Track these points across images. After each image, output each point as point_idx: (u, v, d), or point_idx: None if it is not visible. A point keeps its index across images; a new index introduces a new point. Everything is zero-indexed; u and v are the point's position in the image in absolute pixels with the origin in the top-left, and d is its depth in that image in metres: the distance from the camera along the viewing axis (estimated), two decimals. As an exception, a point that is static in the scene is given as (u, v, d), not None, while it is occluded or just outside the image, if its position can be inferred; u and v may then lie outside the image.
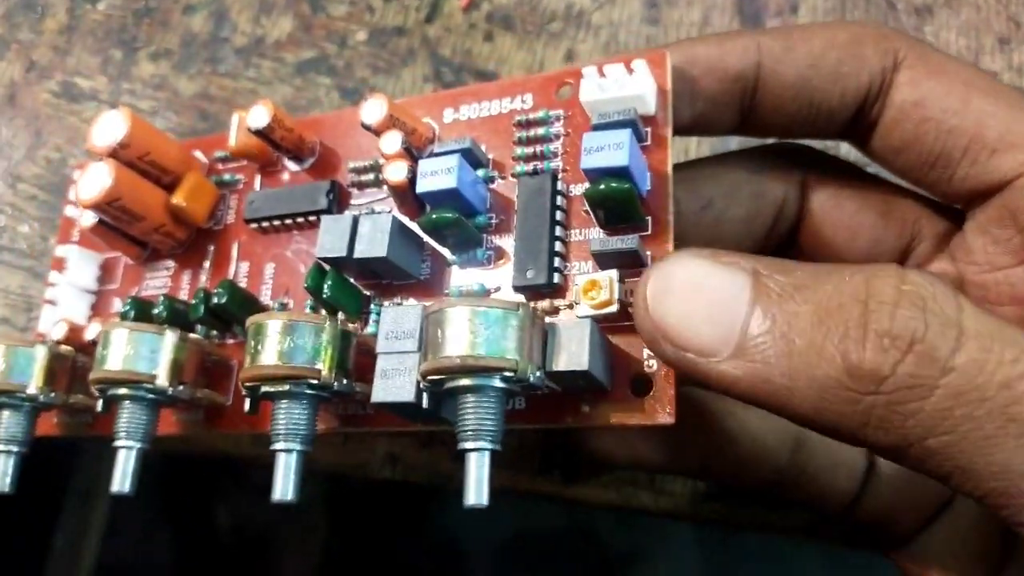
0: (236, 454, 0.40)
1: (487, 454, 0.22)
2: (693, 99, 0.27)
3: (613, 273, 0.24)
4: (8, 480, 0.29)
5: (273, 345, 0.24)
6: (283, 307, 0.29)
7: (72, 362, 0.30)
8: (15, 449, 0.29)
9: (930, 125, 0.25)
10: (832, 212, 0.29)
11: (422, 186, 0.25)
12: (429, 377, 0.22)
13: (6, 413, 0.29)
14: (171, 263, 0.32)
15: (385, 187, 0.29)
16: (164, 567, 0.79)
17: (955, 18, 0.41)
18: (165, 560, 0.79)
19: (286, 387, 0.24)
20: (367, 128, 0.27)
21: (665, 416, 0.23)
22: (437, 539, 0.78)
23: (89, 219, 0.31)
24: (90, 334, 0.30)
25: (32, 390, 0.28)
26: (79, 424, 0.31)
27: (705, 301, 0.20)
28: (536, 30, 0.44)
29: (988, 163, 0.25)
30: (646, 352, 0.24)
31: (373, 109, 0.27)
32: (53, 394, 0.29)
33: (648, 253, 0.24)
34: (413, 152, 0.27)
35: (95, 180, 0.29)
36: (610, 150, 0.23)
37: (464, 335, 0.22)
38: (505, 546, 0.77)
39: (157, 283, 0.32)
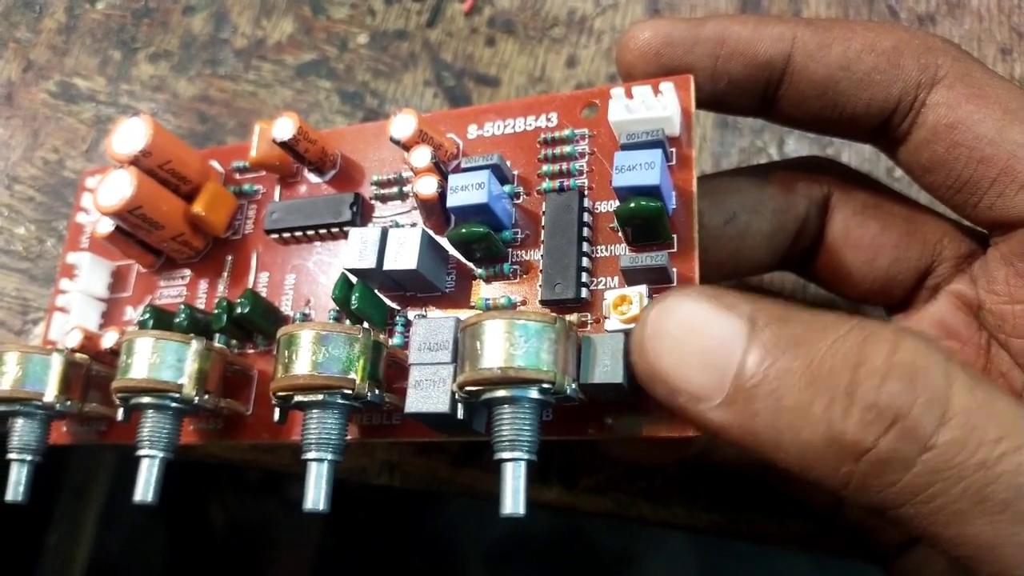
0: (231, 459, 0.39)
1: (523, 464, 0.22)
2: (716, 77, 0.27)
3: (642, 288, 0.24)
4: (22, 489, 0.28)
5: (307, 355, 0.24)
6: (305, 317, 0.29)
7: (87, 370, 0.29)
8: (29, 458, 0.28)
9: (961, 151, 0.25)
10: (854, 231, 0.29)
11: (453, 200, 0.26)
12: (467, 388, 0.23)
13: (20, 421, 0.28)
14: (187, 272, 0.32)
15: (408, 200, 0.29)
16: (157, 565, 0.77)
17: (957, 27, 0.41)
18: (158, 558, 0.78)
19: (319, 397, 0.24)
20: (396, 142, 0.27)
21: (694, 428, 0.24)
22: (432, 541, 0.78)
23: (105, 226, 0.31)
24: (107, 342, 0.30)
25: (48, 398, 0.28)
26: (90, 432, 0.31)
27: (700, 345, 0.20)
28: (538, 35, 0.45)
29: (1015, 197, 0.24)
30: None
31: (403, 124, 0.27)
32: (69, 402, 0.28)
33: (674, 269, 0.25)
34: (441, 166, 0.27)
35: (116, 187, 0.29)
36: (642, 169, 0.24)
37: (502, 347, 0.22)
38: (500, 549, 0.77)
39: (172, 292, 0.32)
